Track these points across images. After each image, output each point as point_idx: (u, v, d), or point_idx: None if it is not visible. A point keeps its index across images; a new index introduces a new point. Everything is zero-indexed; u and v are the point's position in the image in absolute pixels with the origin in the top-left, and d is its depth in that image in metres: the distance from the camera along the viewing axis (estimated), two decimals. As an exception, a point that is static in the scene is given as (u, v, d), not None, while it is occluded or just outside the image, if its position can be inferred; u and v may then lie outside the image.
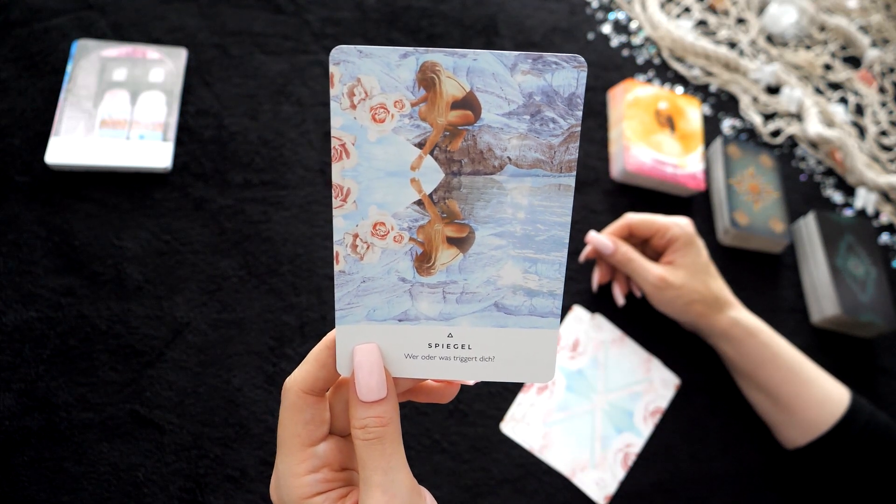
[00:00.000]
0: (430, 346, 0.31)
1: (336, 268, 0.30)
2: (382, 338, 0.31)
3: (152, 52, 0.68)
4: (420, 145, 0.28)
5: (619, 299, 0.66)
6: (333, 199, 0.29)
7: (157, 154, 0.63)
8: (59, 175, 0.62)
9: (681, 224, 0.64)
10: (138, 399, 0.54)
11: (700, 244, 0.64)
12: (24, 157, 0.62)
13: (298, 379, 0.31)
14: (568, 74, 0.27)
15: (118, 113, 0.64)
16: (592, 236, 0.65)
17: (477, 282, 0.30)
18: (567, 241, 0.30)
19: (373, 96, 0.28)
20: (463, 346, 0.31)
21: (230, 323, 0.59)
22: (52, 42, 0.67)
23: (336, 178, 0.28)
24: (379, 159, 0.28)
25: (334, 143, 0.28)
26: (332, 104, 0.27)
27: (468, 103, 0.28)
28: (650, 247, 0.66)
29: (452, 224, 0.30)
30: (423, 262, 0.30)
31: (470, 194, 0.29)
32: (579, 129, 0.28)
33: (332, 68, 0.27)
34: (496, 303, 0.31)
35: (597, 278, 0.67)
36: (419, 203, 0.29)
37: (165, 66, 0.67)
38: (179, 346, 0.57)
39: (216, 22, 0.73)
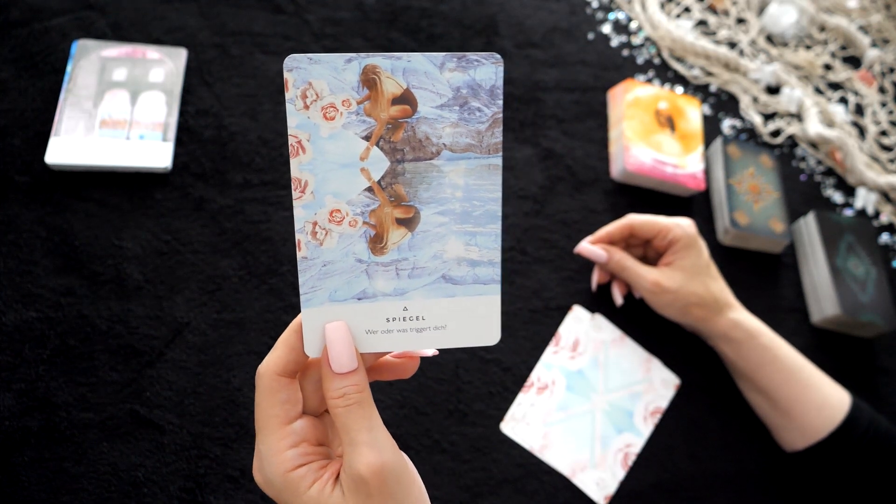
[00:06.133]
0: (387, 320, 0.34)
1: (299, 255, 0.32)
2: (344, 316, 0.33)
3: (152, 52, 0.68)
4: (367, 138, 0.32)
5: (618, 299, 0.67)
6: (293, 192, 0.31)
7: (157, 154, 0.63)
8: (59, 175, 0.62)
9: (682, 225, 0.63)
10: (138, 399, 0.54)
11: (702, 245, 0.64)
12: (24, 157, 0.62)
13: (271, 363, 0.33)
14: (488, 70, 0.31)
15: (118, 113, 0.64)
16: (584, 247, 0.65)
17: (425, 257, 0.33)
18: (500, 213, 0.33)
19: (323, 97, 0.31)
20: (417, 318, 0.34)
21: (230, 323, 0.59)
22: (52, 42, 0.67)
23: (294, 172, 0.31)
24: (331, 153, 0.31)
25: (291, 140, 0.31)
26: (288, 106, 0.31)
27: (406, 99, 0.31)
28: (652, 247, 0.66)
29: (400, 206, 0.33)
30: (377, 242, 0.33)
31: (413, 178, 0.32)
32: (501, 115, 0.32)
33: (286, 74, 0.30)
34: (444, 275, 0.34)
35: (596, 278, 0.67)
36: (369, 189, 0.32)
37: (165, 66, 0.68)
38: (179, 346, 0.57)
39: (216, 22, 0.73)
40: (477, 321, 0.35)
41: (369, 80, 0.31)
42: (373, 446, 0.32)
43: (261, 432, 0.33)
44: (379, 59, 0.30)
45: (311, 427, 0.34)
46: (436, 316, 0.34)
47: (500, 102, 0.32)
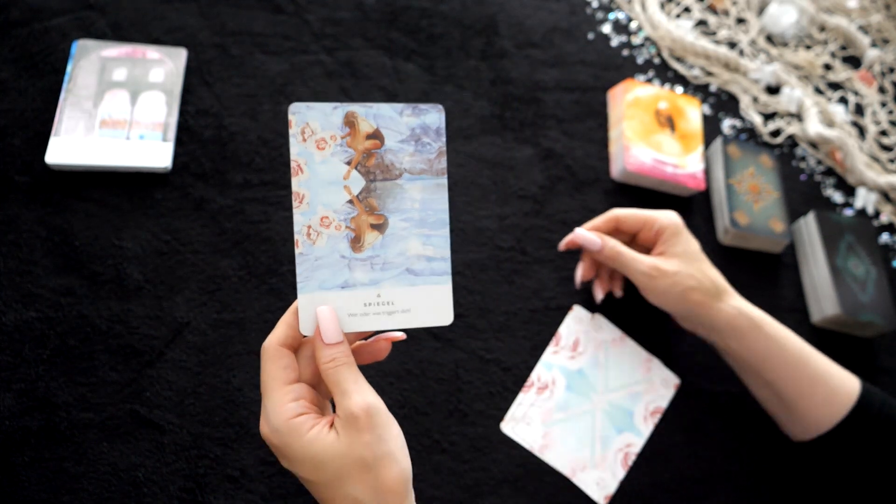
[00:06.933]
0: (365, 304, 0.43)
1: (297, 251, 0.41)
2: (331, 301, 0.42)
3: (152, 52, 0.68)
4: (348, 163, 0.42)
5: (599, 296, 0.65)
6: (293, 202, 0.41)
7: (157, 154, 0.63)
8: (59, 175, 0.62)
9: (668, 215, 0.62)
10: (138, 399, 0.54)
11: (689, 234, 0.63)
12: (24, 157, 0.62)
13: (274, 337, 0.42)
14: (434, 116, 0.43)
15: (118, 113, 0.64)
16: (579, 233, 0.63)
17: (393, 254, 0.43)
18: (448, 220, 0.44)
19: (316, 133, 0.41)
20: (388, 303, 0.43)
21: (230, 323, 0.59)
22: (52, 42, 0.67)
23: (295, 187, 0.41)
24: (322, 174, 0.42)
25: (293, 164, 0.41)
26: (291, 139, 0.41)
27: (376, 135, 0.42)
28: (638, 242, 0.65)
29: (373, 215, 0.42)
30: (356, 242, 0.42)
31: (383, 194, 0.42)
32: (445, 148, 0.43)
33: (290, 116, 0.41)
34: (407, 268, 0.43)
35: (581, 273, 0.66)
36: (350, 202, 0.42)
37: (165, 66, 0.68)
38: (179, 346, 0.57)
39: (216, 22, 0.73)
40: (434, 305, 0.44)
41: (350, 121, 0.42)
42: (360, 392, 0.40)
43: (267, 392, 0.41)
44: (356, 107, 0.42)
45: (307, 390, 0.42)
46: (402, 301, 0.43)
47: (444, 139, 0.43)
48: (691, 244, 0.62)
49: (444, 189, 0.43)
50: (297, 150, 0.41)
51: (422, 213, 0.43)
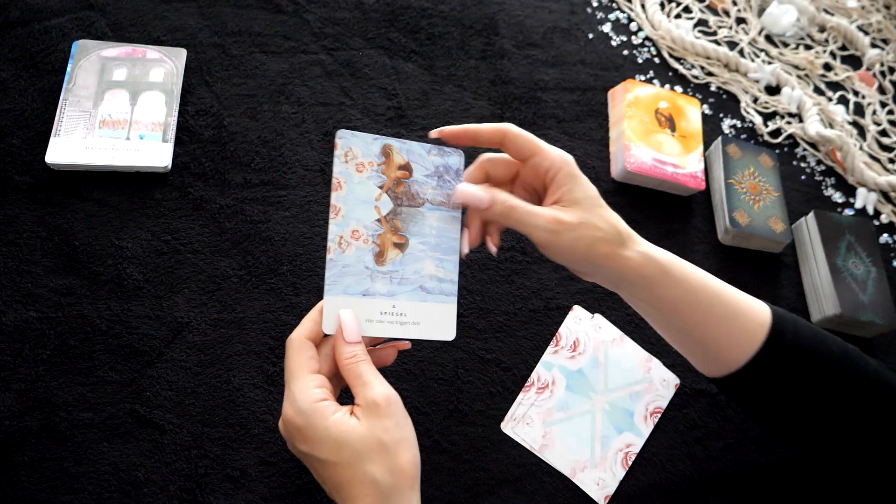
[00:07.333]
0: (381, 313, 0.47)
1: (328, 257, 0.46)
2: (352, 306, 0.46)
3: (152, 52, 0.68)
4: (380, 187, 0.48)
5: (465, 248, 0.52)
6: (330, 213, 0.46)
7: (156, 154, 0.63)
8: (59, 175, 0.62)
9: (559, 151, 0.53)
10: (138, 399, 0.54)
11: (584, 176, 0.53)
12: (24, 157, 0.62)
13: (301, 332, 0.46)
14: (455, 158, 0.50)
15: (118, 113, 0.64)
16: (462, 189, 0.50)
17: (410, 271, 0.48)
18: (458, 248, 0.50)
19: (357, 157, 0.47)
20: (401, 314, 0.48)
21: (230, 323, 0.59)
22: (52, 42, 0.67)
23: (333, 200, 0.47)
24: (358, 193, 0.47)
25: (334, 180, 0.47)
26: (335, 159, 0.47)
27: (407, 167, 0.48)
28: (521, 180, 0.55)
29: (397, 235, 0.48)
30: (379, 257, 0.47)
31: (407, 218, 0.48)
32: None
33: (336, 140, 0.47)
34: (421, 286, 0.48)
35: (469, 240, 0.52)
36: (378, 220, 0.47)
37: (165, 66, 0.68)
38: (179, 346, 0.57)
39: (216, 22, 0.73)
40: (440, 321, 0.49)
41: (386, 152, 0.48)
42: (380, 383, 0.44)
43: (292, 378, 0.44)
44: (393, 141, 0.48)
45: (327, 381, 0.45)
46: (413, 314, 0.48)
47: (462, 179, 0.50)
48: (590, 188, 0.53)
49: (457, 221, 0.49)
50: (339, 169, 0.47)
51: (437, 239, 0.49)
